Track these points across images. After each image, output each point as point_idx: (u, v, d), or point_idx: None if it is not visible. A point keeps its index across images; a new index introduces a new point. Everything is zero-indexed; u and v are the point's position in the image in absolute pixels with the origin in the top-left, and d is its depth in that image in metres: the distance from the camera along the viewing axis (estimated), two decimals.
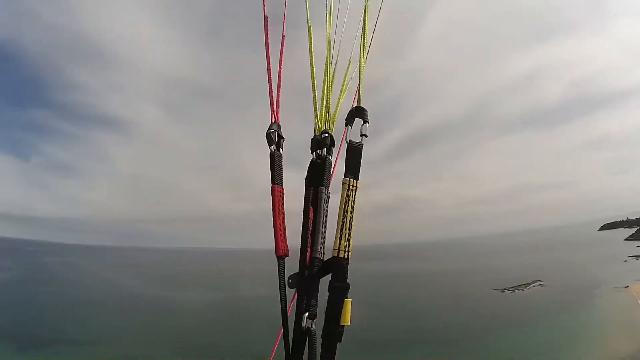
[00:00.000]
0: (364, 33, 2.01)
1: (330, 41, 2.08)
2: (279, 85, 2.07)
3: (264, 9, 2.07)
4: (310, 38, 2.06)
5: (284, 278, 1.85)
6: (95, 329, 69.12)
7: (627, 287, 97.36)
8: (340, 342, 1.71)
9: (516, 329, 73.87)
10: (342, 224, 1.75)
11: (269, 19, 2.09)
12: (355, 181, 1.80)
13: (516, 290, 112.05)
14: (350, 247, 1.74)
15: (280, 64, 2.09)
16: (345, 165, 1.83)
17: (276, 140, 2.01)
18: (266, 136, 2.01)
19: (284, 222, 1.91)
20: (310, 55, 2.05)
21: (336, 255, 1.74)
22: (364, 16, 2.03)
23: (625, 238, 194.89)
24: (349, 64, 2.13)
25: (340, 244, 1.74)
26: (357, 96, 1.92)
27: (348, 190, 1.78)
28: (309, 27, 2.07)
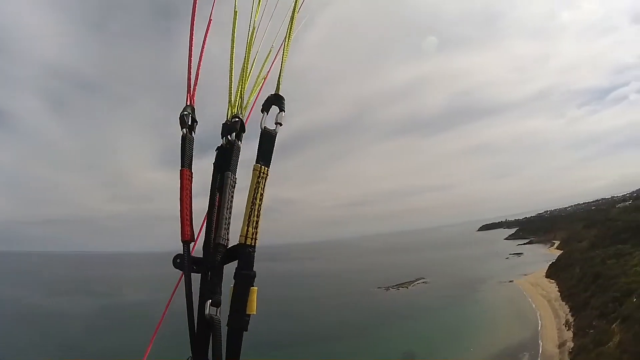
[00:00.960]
0: (292, 21, 2.02)
1: (254, 29, 2.11)
2: (198, 67, 2.08)
3: None
4: (235, 23, 2.09)
5: (189, 263, 1.82)
6: None
7: (511, 281, 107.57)
8: (246, 331, 1.71)
9: (404, 324, 77.51)
10: (251, 211, 1.75)
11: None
12: (266, 168, 1.80)
13: (400, 288, 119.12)
14: (258, 235, 1.73)
15: (202, 47, 2.10)
16: (258, 151, 1.82)
17: (189, 123, 2.02)
18: (179, 118, 2.00)
19: (190, 207, 1.90)
20: (232, 40, 2.07)
21: (243, 242, 1.73)
22: (295, 3, 2.04)
23: (505, 237, 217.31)
24: (269, 51, 2.15)
25: (247, 230, 1.73)
26: (277, 84, 1.93)
27: (259, 177, 1.78)
28: (235, 12, 2.11)
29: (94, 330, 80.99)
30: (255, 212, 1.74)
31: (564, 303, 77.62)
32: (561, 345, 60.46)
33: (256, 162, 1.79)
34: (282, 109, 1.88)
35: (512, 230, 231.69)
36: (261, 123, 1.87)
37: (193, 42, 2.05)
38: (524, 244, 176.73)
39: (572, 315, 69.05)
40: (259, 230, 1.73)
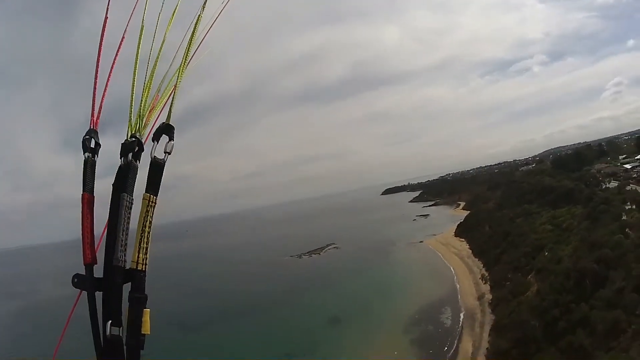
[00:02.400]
0: (188, 48, 2.17)
1: (161, 50, 2.24)
2: (104, 91, 2.17)
3: (107, 9, 2.25)
4: (139, 44, 2.21)
5: (92, 286, 1.94)
6: None
7: (421, 241, 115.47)
8: (142, 349, 1.85)
9: (323, 290, 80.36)
10: (141, 238, 1.90)
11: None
12: (154, 197, 1.93)
13: (313, 255, 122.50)
14: (147, 260, 1.90)
15: (110, 72, 2.19)
16: (147, 180, 1.95)
17: (91, 146, 2.12)
18: (82, 142, 2.11)
19: (91, 230, 2.01)
20: (136, 59, 2.17)
21: (134, 267, 1.89)
22: (193, 29, 2.22)
23: (409, 200, 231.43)
24: (164, 76, 2.25)
25: (138, 256, 1.89)
26: (168, 112, 2.07)
27: (148, 206, 1.91)
28: (142, 28, 2.26)
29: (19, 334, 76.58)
30: (145, 239, 1.89)
31: (476, 259, 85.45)
32: (480, 297, 66.87)
33: (145, 192, 1.91)
34: (171, 139, 1.99)
35: (416, 193, 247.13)
36: (151, 152, 1.97)
37: (99, 66, 2.15)
38: (430, 205, 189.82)
39: (486, 270, 76.25)
40: (148, 255, 1.89)
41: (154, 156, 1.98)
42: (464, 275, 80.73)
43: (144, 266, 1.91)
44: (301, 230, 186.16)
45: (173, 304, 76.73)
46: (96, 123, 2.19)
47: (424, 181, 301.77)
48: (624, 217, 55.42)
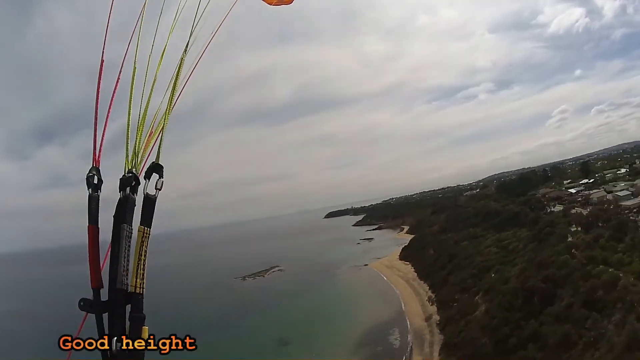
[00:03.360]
0: (173, 89, 2.58)
1: (153, 85, 2.62)
2: (104, 130, 2.53)
3: (103, 52, 2.65)
4: (133, 81, 2.60)
5: (99, 308, 2.34)
6: None
7: (366, 264, 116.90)
8: None
9: (269, 312, 79.97)
10: (138, 264, 2.33)
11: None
12: (148, 229, 2.37)
13: (257, 277, 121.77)
14: (144, 284, 2.34)
15: (108, 112, 2.57)
16: (141, 214, 2.37)
17: (94, 183, 2.48)
18: (86, 179, 2.47)
19: (97, 258, 2.40)
20: (130, 100, 2.55)
21: (133, 291, 2.33)
22: (176, 71, 2.64)
23: (353, 224, 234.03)
24: (154, 115, 2.61)
25: (136, 281, 2.33)
26: (157, 152, 2.48)
27: (143, 237, 2.35)
28: (134, 69, 2.65)
29: None
30: (142, 266, 2.34)
31: (422, 282, 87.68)
32: (428, 318, 68.57)
33: (140, 224, 2.37)
34: (161, 176, 2.42)
35: (360, 217, 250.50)
36: (143, 189, 2.39)
37: (98, 104, 2.53)
38: (373, 229, 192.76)
39: (432, 292, 78.37)
40: (145, 280, 2.35)
41: (147, 192, 2.38)
42: (410, 298, 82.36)
43: (141, 290, 2.34)
44: (245, 251, 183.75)
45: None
46: (98, 161, 2.53)
47: (367, 205, 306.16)
48: (570, 239, 59.16)
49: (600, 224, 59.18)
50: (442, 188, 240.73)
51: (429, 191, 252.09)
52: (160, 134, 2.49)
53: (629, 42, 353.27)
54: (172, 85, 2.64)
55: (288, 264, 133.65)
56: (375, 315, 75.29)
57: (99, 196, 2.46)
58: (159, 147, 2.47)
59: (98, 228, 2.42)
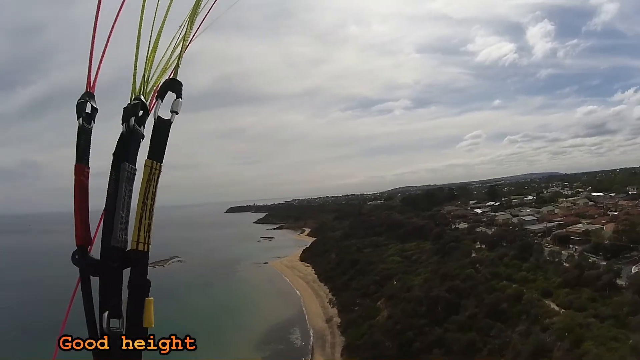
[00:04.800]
0: (197, 5, 2.02)
1: (169, 8, 2.06)
2: (103, 51, 2.02)
3: None
4: (144, 4, 2.02)
5: (85, 271, 1.80)
6: None
7: (266, 263, 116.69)
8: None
9: (170, 302, 76.88)
10: (142, 212, 1.73)
11: None
12: (159, 164, 1.77)
13: (157, 266, 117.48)
14: (151, 239, 1.73)
15: (111, 31, 2.08)
16: (150, 144, 1.79)
17: (87, 112, 1.95)
18: (76, 106, 1.93)
19: (86, 206, 1.86)
20: (141, 18, 2.01)
21: (135, 247, 1.71)
22: None
23: (254, 221, 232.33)
24: (175, 34, 2.07)
25: (139, 235, 1.72)
26: (175, 67, 1.93)
27: (150, 174, 1.75)
28: None
29: None
30: (147, 214, 1.76)
31: (322, 284, 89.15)
32: (328, 320, 69.84)
33: (147, 157, 1.78)
34: (179, 96, 1.87)
35: (262, 215, 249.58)
36: (154, 112, 1.85)
37: (97, 23, 2.04)
38: (275, 229, 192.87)
39: (333, 295, 79.89)
40: (151, 233, 1.76)
41: (158, 116, 1.82)
42: (310, 299, 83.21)
43: (146, 246, 1.74)
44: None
45: (20, 304, 67.30)
46: (93, 86, 2.01)
47: (269, 204, 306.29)
48: (474, 255, 63.40)
49: (504, 244, 64.24)
50: (346, 195, 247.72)
51: (333, 196, 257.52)
52: (182, 46, 1.95)
53: (554, 82, 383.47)
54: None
55: (188, 255, 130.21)
56: (276, 314, 75.14)
57: (91, 129, 1.93)
58: (178, 61, 1.92)
59: (88, 168, 1.89)
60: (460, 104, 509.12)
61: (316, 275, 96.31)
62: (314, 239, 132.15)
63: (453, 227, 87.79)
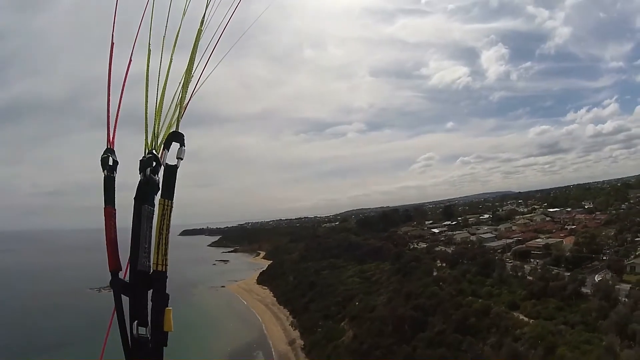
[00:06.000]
0: (191, 59, 2.42)
1: (168, 69, 2.46)
2: (117, 112, 2.42)
3: (112, 35, 2.51)
4: (148, 63, 2.46)
5: (118, 291, 2.21)
6: None
7: (223, 286, 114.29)
8: (165, 346, 2.13)
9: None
10: (159, 240, 2.15)
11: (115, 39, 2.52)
12: (169, 201, 2.18)
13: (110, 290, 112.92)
14: (167, 261, 2.15)
15: (121, 93, 2.45)
16: (162, 186, 2.20)
17: (110, 164, 2.34)
18: (100, 160, 2.33)
19: (115, 240, 2.29)
20: (146, 81, 2.43)
21: (155, 269, 2.14)
22: (194, 41, 2.46)
23: (208, 244, 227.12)
24: (175, 92, 2.44)
25: (158, 258, 2.14)
26: (177, 122, 2.34)
27: (164, 210, 2.16)
28: (149, 50, 2.51)
29: None
30: (163, 241, 2.14)
31: (282, 307, 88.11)
32: (291, 342, 68.93)
33: (161, 197, 2.17)
34: (182, 145, 2.24)
35: (216, 238, 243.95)
36: (163, 160, 2.22)
37: (110, 87, 2.37)
38: (229, 252, 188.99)
39: (293, 317, 79.02)
40: (167, 257, 2.14)
41: (166, 163, 2.21)
42: (271, 322, 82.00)
43: (164, 267, 2.15)
44: (101, 260, 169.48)
45: None
46: (112, 142, 2.38)
47: (223, 227, 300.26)
48: (436, 273, 64.53)
49: (465, 261, 65.86)
50: (299, 218, 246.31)
51: (286, 219, 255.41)
52: (180, 102, 2.37)
53: (506, 105, 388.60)
54: (190, 57, 2.44)
55: None
56: (237, 338, 73.51)
57: (114, 177, 2.33)
58: (179, 117, 2.35)
59: (115, 209, 2.29)
60: (413, 127, 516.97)
61: (275, 298, 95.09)
62: (270, 261, 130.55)
63: (411, 247, 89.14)
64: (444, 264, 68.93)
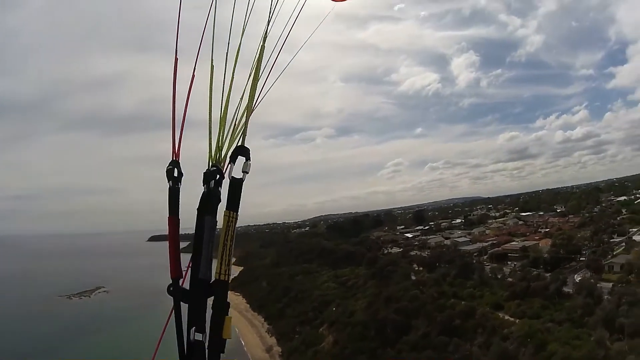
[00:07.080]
0: (256, 74, 2.52)
1: (231, 84, 2.58)
2: (182, 125, 2.55)
3: (176, 51, 2.67)
4: (212, 79, 2.58)
5: (178, 297, 2.33)
6: None
7: None
8: (223, 353, 2.19)
9: (98, 337, 72.71)
10: (223, 251, 2.23)
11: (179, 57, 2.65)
12: (234, 213, 2.25)
13: (83, 297, 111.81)
14: (230, 271, 2.23)
15: (186, 106, 2.58)
16: (227, 198, 2.26)
17: (175, 176, 2.47)
18: (166, 172, 2.46)
19: (178, 248, 2.46)
20: (210, 95, 2.52)
21: (218, 278, 2.21)
22: (257, 56, 2.57)
23: None
24: (237, 107, 2.55)
25: (221, 268, 2.21)
26: (243, 136, 2.41)
27: (228, 222, 2.23)
28: (212, 67, 2.63)
29: None
30: (227, 252, 2.21)
31: (256, 313, 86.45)
32: (269, 349, 67.64)
33: (226, 209, 2.24)
34: (248, 159, 2.29)
35: (185, 244, 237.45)
36: (229, 173, 2.28)
37: (176, 99, 2.50)
38: None
39: (269, 324, 77.53)
40: (230, 267, 2.22)
41: (232, 176, 2.27)
42: (246, 329, 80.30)
43: (226, 276, 2.22)
44: (69, 267, 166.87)
45: None
46: (177, 154, 2.50)
47: (191, 232, 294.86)
48: (414, 277, 64.38)
49: (443, 265, 66.11)
50: (268, 224, 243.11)
51: (254, 225, 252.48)
52: (246, 117, 2.43)
53: (476, 111, 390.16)
54: (254, 70, 2.54)
55: (113, 286, 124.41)
56: None
57: (179, 189, 2.43)
58: (245, 130, 2.40)
59: (178, 219, 2.40)
60: (382, 133, 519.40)
61: (248, 305, 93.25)
62: (241, 268, 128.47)
63: (385, 251, 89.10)
64: (422, 268, 69.06)
